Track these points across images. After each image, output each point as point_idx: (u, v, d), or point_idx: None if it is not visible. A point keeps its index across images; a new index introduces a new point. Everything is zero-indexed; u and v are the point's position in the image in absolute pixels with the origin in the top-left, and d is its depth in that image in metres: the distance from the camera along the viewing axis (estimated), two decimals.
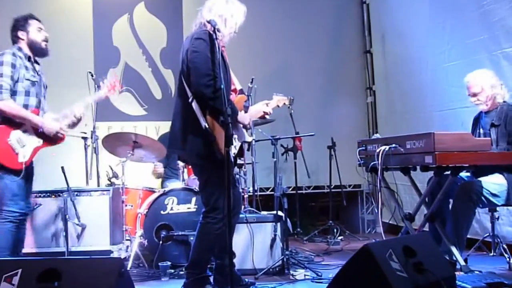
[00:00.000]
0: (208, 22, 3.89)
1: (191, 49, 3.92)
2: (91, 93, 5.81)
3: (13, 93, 4.30)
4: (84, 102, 4.74)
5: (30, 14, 4.58)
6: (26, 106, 4.36)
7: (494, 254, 5.33)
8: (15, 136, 4.28)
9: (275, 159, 6.35)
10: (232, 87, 4.21)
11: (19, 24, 4.50)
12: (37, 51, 4.54)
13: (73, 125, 4.65)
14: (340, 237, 7.02)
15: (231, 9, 4.12)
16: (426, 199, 4.80)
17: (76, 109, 4.62)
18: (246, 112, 4.22)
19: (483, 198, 4.50)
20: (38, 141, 4.40)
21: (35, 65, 4.55)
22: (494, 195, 4.51)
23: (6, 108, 4.24)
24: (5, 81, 4.25)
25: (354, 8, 8.54)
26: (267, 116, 4.56)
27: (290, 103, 5.25)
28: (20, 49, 4.46)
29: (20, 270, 3.13)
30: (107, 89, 4.86)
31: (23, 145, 4.29)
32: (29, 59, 4.47)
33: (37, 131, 4.39)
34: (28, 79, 4.38)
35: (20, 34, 4.48)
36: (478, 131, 4.94)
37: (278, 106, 4.90)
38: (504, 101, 4.82)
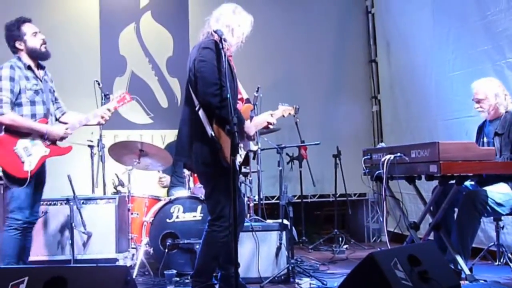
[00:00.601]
0: (215, 32, 3.93)
1: (198, 58, 3.95)
2: (97, 102, 5.87)
3: (18, 105, 4.32)
4: (107, 106, 4.74)
5: (21, 19, 4.51)
6: (34, 116, 4.39)
7: (499, 263, 5.32)
8: (22, 145, 4.30)
9: (280, 168, 6.37)
10: (239, 96, 4.24)
11: (14, 34, 4.44)
12: (38, 57, 4.52)
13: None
14: (345, 246, 7.01)
15: (238, 19, 4.15)
16: (431, 208, 4.81)
17: (102, 112, 4.67)
18: (251, 121, 4.26)
19: (488, 207, 4.50)
20: (45, 151, 4.41)
21: (39, 71, 4.54)
22: (499, 204, 4.52)
23: (8, 121, 4.27)
24: (4, 95, 4.25)
25: (359, 17, 8.58)
26: (270, 126, 4.58)
27: (296, 112, 5.30)
28: (19, 58, 4.44)
29: (26, 278, 3.16)
30: (116, 101, 4.80)
31: (29, 154, 4.31)
32: (28, 67, 4.45)
33: (44, 141, 4.41)
34: (30, 89, 4.39)
35: (18, 44, 4.45)
36: (482, 139, 4.95)
37: (283, 116, 4.94)
38: (507, 111, 4.83)
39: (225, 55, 3.82)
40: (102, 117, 4.67)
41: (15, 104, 4.33)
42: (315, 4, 8.19)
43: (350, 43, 8.48)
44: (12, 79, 4.31)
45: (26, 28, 4.48)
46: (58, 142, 4.52)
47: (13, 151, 4.28)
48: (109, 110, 4.71)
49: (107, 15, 7.56)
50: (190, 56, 4.09)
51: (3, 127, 4.33)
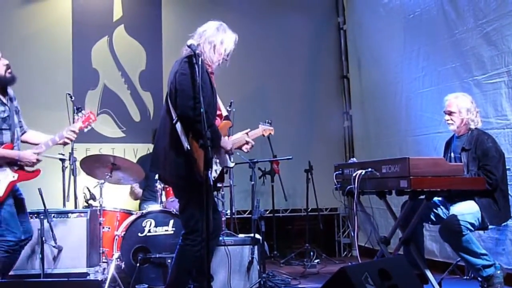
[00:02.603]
0: (189, 46, 3.95)
1: (180, 71, 3.97)
2: (69, 115, 5.82)
3: None
4: (71, 128, 4.66)
5: None
6: (0, 144, 4.32)
7: (467, 277, 5.42)
8: None
9: (252, 182, 6.38)
10: (218, 113, 4.26)
11: None
12: (3, 83, 4.41)
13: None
14: (316, 260, 7.05)
15: (221, 36, 4.18)
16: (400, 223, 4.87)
17: (68, 134, 4.59)
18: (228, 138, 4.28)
19: (463, 227, 4.54)
20: (13, 176, 4.35)
21: (5, 97, 4.41)
22: (472, 224, 4.57)
23: None
24: None
25: (332, 33, 8.70)
26: (245, 150, 4.52)
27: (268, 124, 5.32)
28: None
29: None
30: (81, 121, 4.72)
31: None
32: None
33: (11, 166, 4.35)
34: None
35: None
36: (449, 154, 5.03)
37: (263, 135, 4.98)
38: (476, 128, 4.92)
39: (201, 70, 3.84)
40: (67, 138, 4.62)
41: None
42: (288, 20, 8.27)
43: (322, 59, 8.60)
44: None
45: None
46: (27, 168, 4.46)
47: None
48: (73, 131, 4.64)
49: (80, 28, 7.54)
50: (172, 68, 4.11)
51: None
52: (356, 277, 3.26)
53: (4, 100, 4.42)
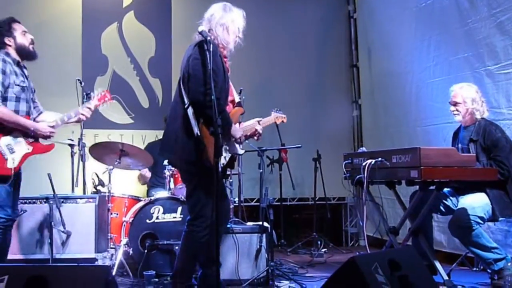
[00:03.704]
0: (200, 33, 3.93)
1: (193, 56, 3.95)
2: (79, 101, 5.83)
3: (4, 99, 4.25)
4: (87, 105, 4.69)
5: (11, 18, 4.50)
6: (17, 112, 4.32)
7: (477, 269, 5.40)
8: (5, 142, 4.25)
9: (261, 170, 6.37)
10: (230, 98, 4.24)
11: (3, 29, 4.41)
12: (26, 55, 4.48)
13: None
14: (323, 250, 7.04)
15: (230, 15, 4.16)
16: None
17: (84, 111, 4.62)
18: (240, 124, 4.27)
19: (472, 222, 4.51)
20: (28, 148, 4.36)
21: (24, 69, 4.50)
22: (481, 218, 4.54)
23: None
24: None
25: (342, 22, 8.65)
26: (257, 136, 4.52)
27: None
28: (7, 54, 4.39)
29: (6, 277, 3.12)
30: (97, 99, 4.77)
31: (12, 151, 4.27)
32: (17, 64, 4.42)
33: (26, 138, 4.37)
34: (18, 85, 4.34)
35: (7, 40, 4.40)
36: (457, 145, 5.00)
37: (275, 123, 4.97)
38: (482, 118, 4.88)
39: (214, 55, 3.81)
40: (83, 114, 4.63)
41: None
42: (298, 8, 8.23)
43: (332, 47, 8.54)
44: (3, 72, 4.25)
45: (16, 26, 4.46)
46: (42, 140, 4.47)
47: None
48: (89, 108, 4.68)
49: (90, 14, 7.52)
50: (185, 54, 4.09)
51: None
52: (366, 267, 3.25)
53: (25, 72, 4.48)
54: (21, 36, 4.46)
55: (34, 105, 4.63)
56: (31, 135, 4.37)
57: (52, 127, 4.46)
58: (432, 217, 5.07)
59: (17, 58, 4.44)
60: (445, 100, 5.17)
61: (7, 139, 4.27)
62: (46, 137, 4.44)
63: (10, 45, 4.42)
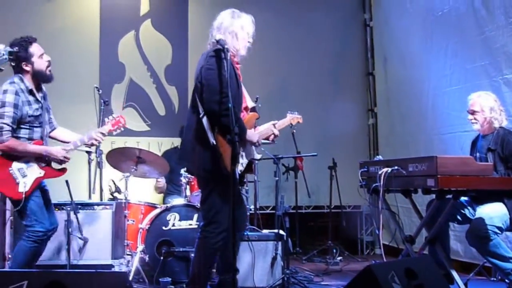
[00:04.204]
0: (217, 41, 3.95)
1: (206, 66, 3.98)
2: (96, 108, 5.88)
3: (18, 127, 4.29)
4: (100, 130, 4.70)
5: (29, 38, 4.41)
6: (30, 139, 4.37)
7: (494, 279, 5.36)
8: (17, 166, 4.29)
9: (277, 178, 6.37)
10: (244, 105, 4.26)
11: (22, 56, 4.33)
12: (42, 79, 4.48)
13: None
14: (339, 258, 7.02)
15: (239, 22, 4.18)
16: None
17: (97, 135, 4.62)
18: (255, 129, 4.29)
19: (490, 232, 4.49)
20: (40, 172, 4.38)
21: (38, 94, 4.45)
22: (499, 228, 4.51)
23: (8, 149, 4.24)
24: (5, 122, 4.21)
25: (358, 30, 8.65)
26: (273, 139, 4.55)
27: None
28: (21, 79, 4.35)
29: (25, 282, 3.15)
30: (110, 124, 4.78)
31: (24, 175, 4.30)
32: (30, 92, 4.38)
33: (39, 163, 4.39)
34: (32, 115, 4.35)
35: (24, 66, 4.37)
36: (475, 154, 4.97)
37: (291, 124, 4.98)
38: (500, 127, 4.86)
39: (227, 64, 3.84)
40: (96, 139, 4.65)
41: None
42: (314, 16, 8.24)
43: (348, 55, 8.54)
44: (16, 106, 4.24)
45: (34, 49, 4.40)
46: (54, 165, 4.51)
47: (8, 172, 4.26)
48: (102, 133, 4.68)
49: (108, 22, 7.59)
50: (198, 64, 4.12)
51: None
52: (383, 275, 3.25)
53: (39, 97, 4.46)
54: (38, 60, 4.41)
55: (49, 121, 4.67)
56: (44, 159, 4.40)
57: (66, 151, 4.47)
58: (449, 226, 5.05)
59: (31, 85, 4.40)
60: (462, 108, 5.16)
61: (20, 164, 4.31)
62: (60, 161, 4.46)
63: (27, 71, 4.39)
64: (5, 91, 4.26)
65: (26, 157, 4.34)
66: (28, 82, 4.39)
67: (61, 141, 4.67)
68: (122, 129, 4.87)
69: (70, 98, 6.78)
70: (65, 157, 4.44)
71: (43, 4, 7.29)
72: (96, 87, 6.07)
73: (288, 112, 5.03)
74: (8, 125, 4.22)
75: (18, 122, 4.29)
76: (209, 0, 7.87)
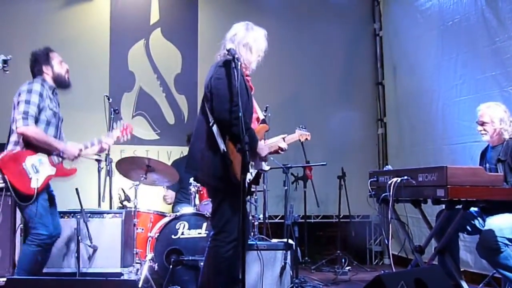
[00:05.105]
0: (228, 51, 3.96)
1: (215, 76, 3.99)
2: (106, 117, 5.92)
3: (36, 121, 4.37)
4: (110, 137, 4.83)
5: (48, 48, 4.64)
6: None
7: None
8: (30, 162, 4.34)
9: (286, 188, 6.38)
10: (255, 116, 4.27)
11: (42, 59, 4.56)
12: (61, 84, 4.63)
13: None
14: (347, 267, 7.00)
15: (253, 34, 4.19)
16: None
17: (106, 140, 4.75)
18: (265, 141, 4.29)
19: (500, 244, 4.46)
20: (52, 169, 4.44)
21: (57, 97, 4.64)
22: (510, 239, 4.48)
23: (31, 133, 4.31)
24: (31, 108, 4.31)
25: (367, 40, 8.66)
26: (281, 152, 4.58)
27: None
28: (44, 80, 4.53)
29: None
30: (119, 130, 4.89)
31: (37, 171, 4.35)
32: (53, 91, 4.57)
33: (51, 160, 4.45)
34: (51, 109, 4.47)
35: (45, 68, 4.55)
36: (484, 165, 4.95)
37: (300, 140, 4.98)
38: (510, 137, 4.83)
39: (237, 74, 3.85)
40: (106, 143, 4.78)
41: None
42: (324, 25, 8.25)
43: (357, 65, 8.56)
44: (41, 95, 4.38)
45: (53, 56, 4.62)
46: (65, 164, 4.57)
47: (22, 167, 4.31)
48: (111, 138, 4.83)
49: (118, 31, 7.64)
50: (208, 74, 4.13)
51: (17, 141, 4.37)
52: (392, 285, 3.24)
53: (57, 100, 4.64)
54: (58, 66, 4.61)
55: (60, 130, 4.73)
56: (59, 155, 4.46)
57: (81, 149, 4.57)
58: (459, 237, 5.02)
59: (53, 85, 4.59)
60: (472, 118, 5.14)
61: (33, 159, 4.36)
62: (74, 157, 4.53)
63: (48, 74, 4.57)
64: (30, 82, 4.45)
65: (39, 153, 4.39)
66: (51, 83, 4.58)
67: None
68: (129, 136, 4.97)
69: (80, 106, 6.81)
70: (79, 153, 4.55)
71: (54, 13, 7.36)
72: (106, 96, 6.10)
73: (297, 128, 5.03)
74: (33, 111, 4.32)
75: (38, 113, 4.38)
76: (219, 9, 7.92)
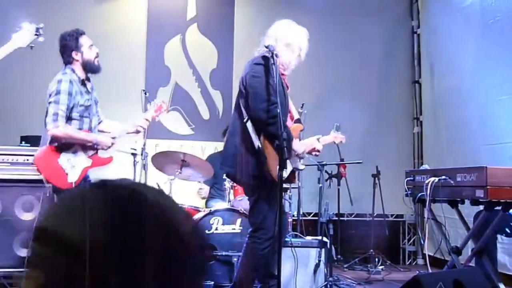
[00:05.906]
0: (267, 47, 3.95)
1: (250, 74, 3.98)
2: (143, 111, 5.95)
3: (68, 119, 4.40)
4: (145, 116, 4.86)
5: (78, 30, 4.56)
6: (80, 130, 4.48)
7: None
8: (65, 157, 4.38)
9: (320, 185, 6.35)
10: (289, 115, 4.25)
11: (71, 44, 4.48)
12: (91, 69, 4.59)
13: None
14: (381, 267, 6.95)
15: (294, 33, 4.17)
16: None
17: (141, 122, 4.79)
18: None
19: None
20: (87, 161, 4.49)
21: (88, 84, 4.61)
22: None
23: (62, 134, 4.34)
24: (61, 109, 4.32)
25: (405, 37, 8.56)
26: (315, 153, 4.56)
27: (337, 129, 5.28)
28: (73, 71, 4.49)
29: None
30: (153, 110, 4.92)
31: (72, 165, 4.39)
32: (82, 82, 4.52)
33: (86, 152, 4.49)
34: (82, 105, 4.47)
35: (74, 55, 4.49)
36: None
37: (334, 142, 4.96)
38: None
39: (276, 71, 3.83)
40: (140, 126, 4.80)
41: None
42: (361, 23, 8.19)
43: (394, 62, 8.46)
44: (70, 94, 4.37)
45: (83, 40, 4.54)
46: (100, 154, 4.60)
47: (57, 163, 4.35)
48: (147, 119, 4.83)
49: (154, 26, 7.68)
50: (244, 70, 4.13)
51: (49, 140, 4.41)
52: (430, 286, 3.19)
53: (89, 89, 4.61)
54: (88, 51, 4.53)
55: (97, 113, 4.78)
56: (93, 148, 4.50)
57: (114, 138, 4.61)
58: (497, 238, 4.94)
59: (82, 75, 4.54)
60: None
61: (68, 154, 4.40)
62: (108, 148, 4.57)
63: (77, 60, 4.51)
64: (59, 81, 4.39)
65: (73, 147, 4.43)
66: (80, 73, 4.53)
67: (107, 132, 4.80)
68: (163, 120, 4.94)
69: (117, 98, 6.87)
70: (112, 143, 4.59)
71: (92, 7, 7.43)
72: (143, 90, 6.13)
73: (332, 130, 5.00)
74: (63, 111, 4.33)
75: (70, 112, 4.40)
76: (256, 5, 7.91)
